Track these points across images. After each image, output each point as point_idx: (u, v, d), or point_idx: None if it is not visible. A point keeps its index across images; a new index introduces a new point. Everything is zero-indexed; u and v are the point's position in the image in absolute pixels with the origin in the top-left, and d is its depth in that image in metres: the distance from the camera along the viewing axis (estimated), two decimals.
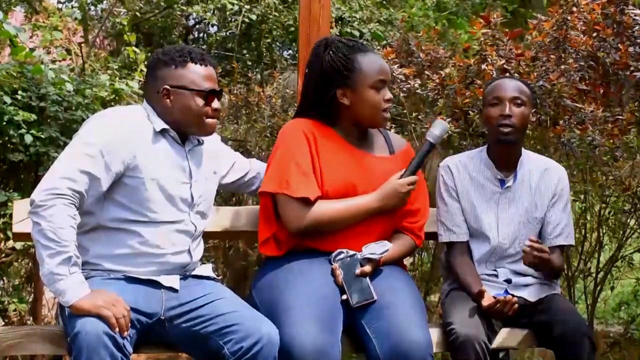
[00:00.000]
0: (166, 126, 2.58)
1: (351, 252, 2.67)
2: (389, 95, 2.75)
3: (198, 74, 2.58)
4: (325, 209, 2.67)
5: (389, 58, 3.93)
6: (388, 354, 2.47)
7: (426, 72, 3.87)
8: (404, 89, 3.87)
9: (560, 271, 3.06)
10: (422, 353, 2.47)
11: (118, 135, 2.47)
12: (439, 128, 2.82)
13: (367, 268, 2.64)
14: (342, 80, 2.73)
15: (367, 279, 2.63)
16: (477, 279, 2.88)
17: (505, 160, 2.96)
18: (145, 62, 5.02)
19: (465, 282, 2.87)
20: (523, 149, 3.04)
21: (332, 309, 2.55)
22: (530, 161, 3.01)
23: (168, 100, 2.58)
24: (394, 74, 3.87)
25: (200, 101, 2.58)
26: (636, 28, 3.49)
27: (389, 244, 2.70)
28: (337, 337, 2.49)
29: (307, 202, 2.65)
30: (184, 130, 2.61)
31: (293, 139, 2.73)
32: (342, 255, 2.67)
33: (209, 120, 2.60)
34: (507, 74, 3.56)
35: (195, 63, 2.59)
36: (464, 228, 2.97)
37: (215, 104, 2.61)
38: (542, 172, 2.98)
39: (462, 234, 2.97)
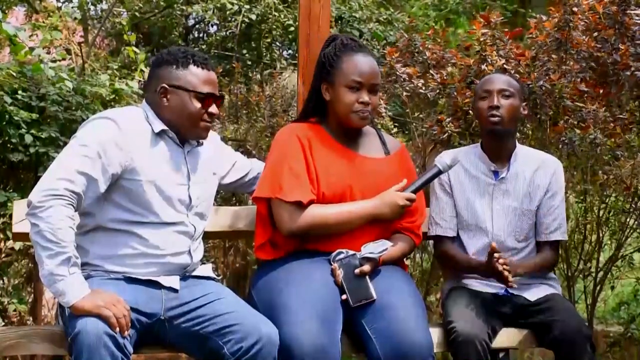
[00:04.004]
0: (165, 127, 2.58)
1: (350, 252, 2.67)
2: (364, 98, 2.73)
3: (198, 76, 2.58)
4: (319, 213, 2.68)
5: (392, 57, 3.92)
6: (390, 355, 2.47)
7: (431, 72, 3.86)
8: (407, 88, 3.86)
9: (554, 265, 3.10)
10: (424, 354, 2.47)
11: (116, 137, 2.46)
12: (450, 158, 2.85)
13: (366, 267, 2.64)
14: (325, 75, 2.79)
15: (367, 278, 2.63)
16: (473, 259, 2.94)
17: (498, 152, 3.00)
18: (145, 62, 5.02)
19: (469, 264, 2.92)
20: (518, 143, 3.06)
21: (331, 309, 2.55)
22: (525, 154, 3.05)
23: (165, 98, 2.58)
24: (397, 73, 3.87)
25: (196, 103, 2.57)
26: (637, 28, 3.48)
27: (388, 242, 2.70)
28: (337, 337, 2.49)
29: (300, 206, 2.66)
30: (178, 131, 2.60)
31: (286, 144, 2.75)
32: (341, 255, 2.68)
33: (203, 124, 2.59)
34: (507, 74, 3.55)
35: (197, 66, 2.59)
36: (451, 223, 3.00)
37: (213, 109, 2.60)
38: (537, 164, 3.01)
39: (448, 229, 3.00)
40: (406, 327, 2.50)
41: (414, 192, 2.77)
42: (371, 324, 2.56)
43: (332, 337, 2.47)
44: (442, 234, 3.01)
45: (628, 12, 3.48)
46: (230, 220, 3.03)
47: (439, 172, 2.85)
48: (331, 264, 2.68)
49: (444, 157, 2.85)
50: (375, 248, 2.67)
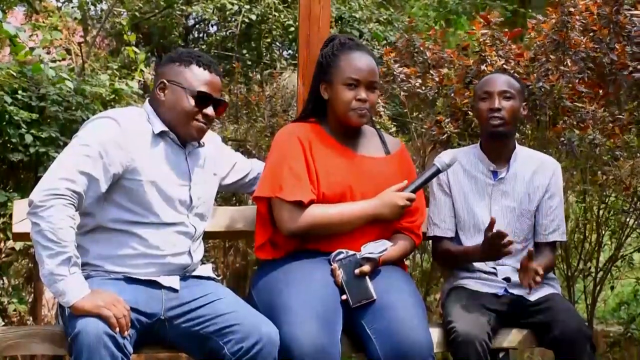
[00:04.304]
0: (165, 128, 2.57)
1: (350, 252, 2.67)
2: (362, 95, 2.73)
3: (197, 76, 2.58)
4: (319, 213, 2.68)
5: (390, 57, 3.93)
6: (390, 355, 2.47)
7: (431, 72, 3.87)
8: (405, 88, 3.86)
9: (552, 266, 3.09)
10: (424, 354, 2.47)
11: (117, 137, 2.46)
12: (449, 157, 2.84)
13: (366, 268, 2.64)
14: (324, 74, 2.80)
15: (367, 278, 2.63)
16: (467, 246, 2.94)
17: (497, 153, 3.00)
18: (145, 62, 5.03)
19: (466, 252, 2.92)
20: (518, 144, 3.07)
21: (331, 309, 2.55)
22: (525, 155, 3.05)
23: (162, 93, 2.59)
24: (394, 73, 3.87)
25: (191, 101, 2.57)
26: (634, 28, 3.49)
27: (388, 242, 2.70)
28: (337, 337, 2.49)
29: (301, 205, 2.66)
30: (175, 130, 2.59)
31: (286, 144, 2.75)
32: (341, 256, 2.68)
33: (195, 124, 2.58)
34: (507, 73, 3.56)
35: (200, 66, 2.59)
36: (449, 224, 3.00)
37: (209, 110, 2.59)
38: (536, 166, 3.02)
39: (446, 230, 3.00)
40: (406, 326, 2.51)
41: (413, 191, 2.76)
42: (371, 324, 2.56)
43: (332, 337, 2.47)
44: (441, 234, 3.01)
45: (622, 11, 3.48)
46: (229, 220, 3.03)
47: (438, 172, 2.85)
48: (331, 264, 2.68)
49: (443, 157, 2.85)
50: (375, 248, 2.67)
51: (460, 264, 3.00)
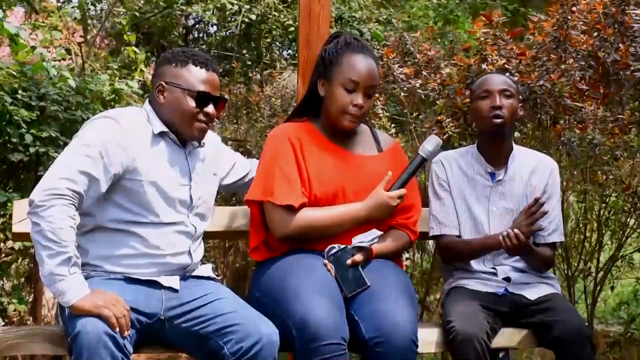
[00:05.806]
0: (165, 129, 2.57)
1: (342, 246, 2.67)
2: (358, 101, 2.71)
3: (195, 75, 2.58)
4: (311, 216, 2.67)
5: (390, 57, 3.92)
6: (373, 335, 2.46)
7: (423, 72, 3.86)
8: (405, 88, 3.86)
9: (551, 264, 3.07)
10: (406, 333, 2.46)
11: (117, 137, 2.46)
12: (432, 143, 2.81)
13: (358, 257, 2.64)
14: (323, 70, 2.78)
15: (359, 267, 2.63)
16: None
17: (495, 154, 2.99)
18: (145, 62, 5.03)
19: (479, 244, 2.90)
20: (517, 144, 3.06)
21: (336, 295, 2.55)
22: (522, 155, 3.04)
23: (162, 96, 2.58)
24: (395, 74, 3.86)
25: (191, 101, 2.56)
26: (637, 27, 3.48)
27: (378, 232, 2.70)
28: (345, 320, 2.49)
29: (292, 209, 2.65)
30: (177, 131, 2.59)
31: (278, 146, 2.74)
32: (333, 250, 2.68)
33: (197, 124, 2.58)
34: (507, 74, 3.56)
35: (196, 65, 2.59)
36: (455, 222, 2.99)
37: (209, 109, 2.59)
38: (534, 165, 3.01)
39: (453, 228, 2.98)
40: (390, 309, 2.49)
41: (403, 185, 2.75)
42: (358, 310, 2.55)
43: (342, 317, 2.48)
44: (448, 232, 2.98)
45: (627, 11, 3.48)
46: (229, 220, 3.03)
47: (424, 160, 2.81)
48: (325, 260, 2.68)
49: (426, 145, 2.81)
50: (366, 237, 2.68)
51: (474, 255, 2.96)
